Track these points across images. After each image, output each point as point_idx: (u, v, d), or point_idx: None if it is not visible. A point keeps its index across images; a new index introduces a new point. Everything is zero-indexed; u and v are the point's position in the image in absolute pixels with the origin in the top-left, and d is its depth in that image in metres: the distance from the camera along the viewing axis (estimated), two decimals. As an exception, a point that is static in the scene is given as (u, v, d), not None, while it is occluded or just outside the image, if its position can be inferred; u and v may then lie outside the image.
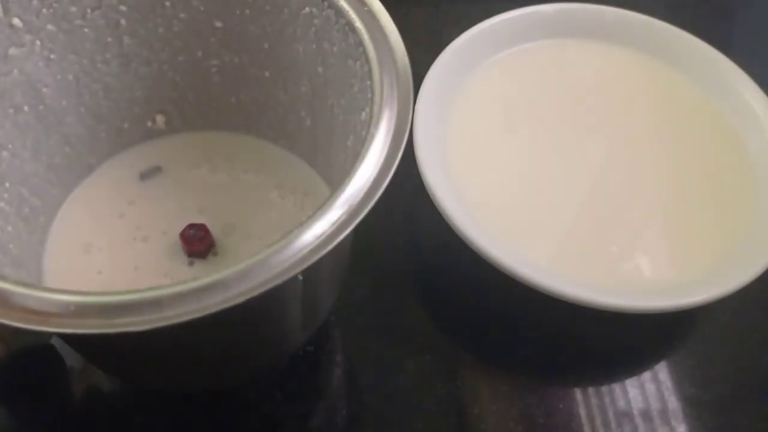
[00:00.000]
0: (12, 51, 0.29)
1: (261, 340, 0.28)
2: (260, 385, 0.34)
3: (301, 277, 0.21)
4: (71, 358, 0.34)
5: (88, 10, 0.30)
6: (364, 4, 0.27)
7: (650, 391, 0.34)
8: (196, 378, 0.30)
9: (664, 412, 0.34)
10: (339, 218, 0.22)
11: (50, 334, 0.21)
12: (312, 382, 0.34)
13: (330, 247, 0.21)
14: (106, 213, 0.34)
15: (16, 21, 0.28)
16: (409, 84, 0.25)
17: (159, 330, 0.20)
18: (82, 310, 0.20)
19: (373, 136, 0.24)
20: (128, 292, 0.20)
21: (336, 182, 0.33)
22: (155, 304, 0.20)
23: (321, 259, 0.21)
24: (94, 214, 0.34)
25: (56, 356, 0.34)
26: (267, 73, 0.33)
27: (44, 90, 0.31)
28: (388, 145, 0.24)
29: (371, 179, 0.23)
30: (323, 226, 0.22)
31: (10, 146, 0.30)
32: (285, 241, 0.21)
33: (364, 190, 0.22)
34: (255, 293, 0.20)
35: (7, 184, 0.30)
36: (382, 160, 0.23)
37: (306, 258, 0.21)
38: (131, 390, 0.34)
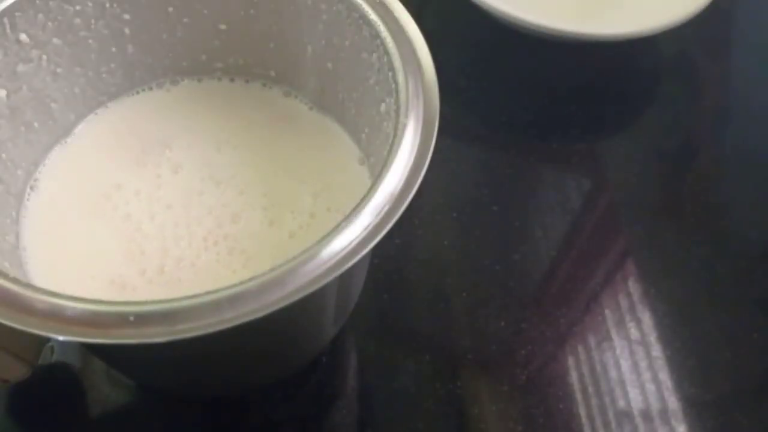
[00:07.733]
0: (20, 67, 0.28)
1: (298, 337, 0.28)
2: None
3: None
4: (91, 377, 0.34)
5: (92, 21, 0.30)
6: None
7: (650, 391, 0.34)
8: (230, 381, 0.30)
9: (664, 412, 0.34)
10: (382, 209, 0.22)
11: (110, 346, 0.21)
12: (311, 383, 0.34)
13: (379, 237, 0.21)
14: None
15: (23, 37, 0.28)
16: (433, 73, 0.25)
17: (218, 333, 0.20)
18: (142, 319, 0.19)
19: (404, 125, 0.24)
20: (186, 297, 0.20)
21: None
22: (215, 306, 0.20)
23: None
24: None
25: (77, 375, 0.34)
26: (272, 73, 0.33)
27: (53, 105, 0.30)
28: (419, 133, 0.24)
29: (409, 165, 0.23)
30: (368, 219, 0.22)
31: (23, 164, 0.29)
32: (332, 236, 0.21)
33: (405, 176, 0.23)
34: (310, 289, 0.20)
35: (26, 203, 0.29)
36: (416, 147, 0.23)
37: (355, 251, 0.21)
38: (144, 398, 0.34)
